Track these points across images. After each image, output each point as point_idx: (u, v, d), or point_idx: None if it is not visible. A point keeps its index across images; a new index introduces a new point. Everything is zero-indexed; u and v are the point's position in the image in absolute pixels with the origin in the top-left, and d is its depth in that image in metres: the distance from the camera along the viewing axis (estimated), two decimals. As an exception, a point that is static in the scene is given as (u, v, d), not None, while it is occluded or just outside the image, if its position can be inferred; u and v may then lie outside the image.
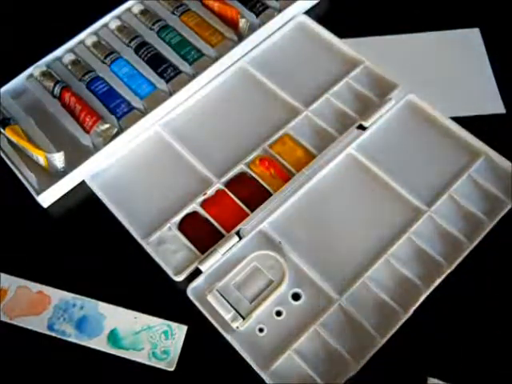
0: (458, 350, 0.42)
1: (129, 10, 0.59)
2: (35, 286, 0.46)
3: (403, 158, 0.45)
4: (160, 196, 0.49)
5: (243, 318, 0.43)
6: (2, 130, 0.50)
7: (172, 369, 0.42)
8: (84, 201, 0.50)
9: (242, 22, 0.56)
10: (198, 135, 0.52)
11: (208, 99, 0.54)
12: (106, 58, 0.55)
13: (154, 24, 0.57)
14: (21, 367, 0.43)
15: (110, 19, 0.58)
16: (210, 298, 0.43)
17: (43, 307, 0.45)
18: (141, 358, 0.43)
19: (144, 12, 0.58)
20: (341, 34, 0.56)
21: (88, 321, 0.44)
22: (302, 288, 0.44)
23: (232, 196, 0.48)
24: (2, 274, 0.46)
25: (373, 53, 0.54)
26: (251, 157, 0.50)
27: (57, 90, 0.53)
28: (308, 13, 0.58)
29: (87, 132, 0.51)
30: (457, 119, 0.50)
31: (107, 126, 0.51)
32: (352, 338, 0.42)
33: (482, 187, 0.47)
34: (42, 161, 0.49)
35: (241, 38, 0.56)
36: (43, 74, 0.55)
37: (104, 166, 0.50)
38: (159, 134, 0.52)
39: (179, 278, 0.45)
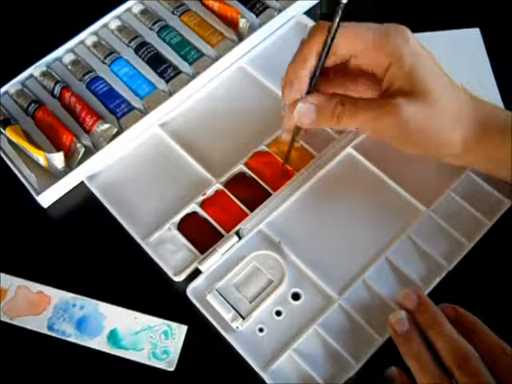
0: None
1: (129, 10, 0.58)
2: (35, 286, 0.46)
3: (402, 157, 0.45)
4: (159, 196, 0.49)
5: (243, 318, 0.43)
6: (2, 131, 0.50)
7: (172, 369, 0.42)
8: (84, 201, 0.50)
9: (242, 22, 0.56)
10: (197, 135, 0.52)
11: (208, 99, 0.54)
12: (106, 58, 0.55)
13: (154, 24, 0.57)
14: (21, 367, 0.43)
15: (110, 19, 0.58)
16: (209, 298, 0.43)
17: (43, 307, 0.45)
18: (141, 358, 0.43)
19: (144, 12, 0.58)
20: (341, 34, 0.56)
21: (88, 321, 0.44)
22: (301, 288, 0.44)
23: (231, 196, 0.48)
24: (2, 274, 0.46)
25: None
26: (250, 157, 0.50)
27: (57, 89, 0.53)
28: (308, 13, 0.58)
29: (87, 132, 0.51)
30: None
31: (107, 125, 0.51)
32: (352, 337, 0.42)
33: (481, 186, 0.47)
34: (42, 161, 0.49)
35: (241, 38, 0.56)
36: (43, 74, 0.55)
37: (104, 166, 0.50)
38: (159, 134, 0.52)
39: (179, 278, 0.45)
